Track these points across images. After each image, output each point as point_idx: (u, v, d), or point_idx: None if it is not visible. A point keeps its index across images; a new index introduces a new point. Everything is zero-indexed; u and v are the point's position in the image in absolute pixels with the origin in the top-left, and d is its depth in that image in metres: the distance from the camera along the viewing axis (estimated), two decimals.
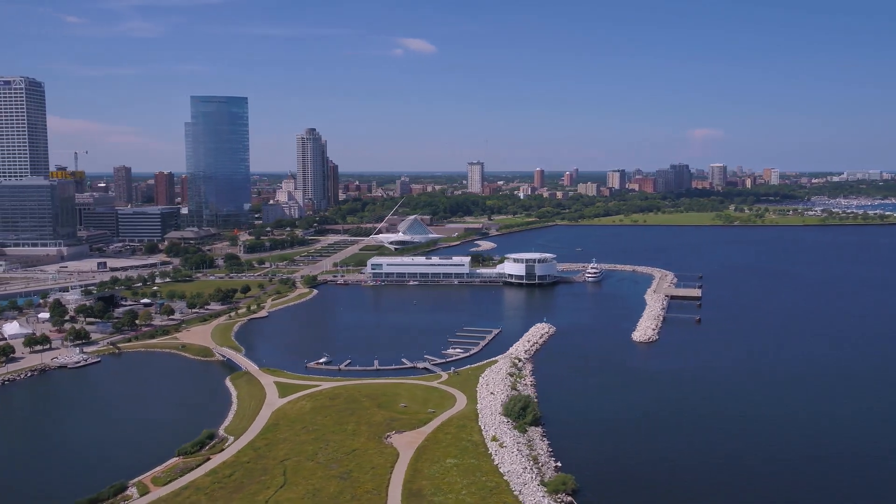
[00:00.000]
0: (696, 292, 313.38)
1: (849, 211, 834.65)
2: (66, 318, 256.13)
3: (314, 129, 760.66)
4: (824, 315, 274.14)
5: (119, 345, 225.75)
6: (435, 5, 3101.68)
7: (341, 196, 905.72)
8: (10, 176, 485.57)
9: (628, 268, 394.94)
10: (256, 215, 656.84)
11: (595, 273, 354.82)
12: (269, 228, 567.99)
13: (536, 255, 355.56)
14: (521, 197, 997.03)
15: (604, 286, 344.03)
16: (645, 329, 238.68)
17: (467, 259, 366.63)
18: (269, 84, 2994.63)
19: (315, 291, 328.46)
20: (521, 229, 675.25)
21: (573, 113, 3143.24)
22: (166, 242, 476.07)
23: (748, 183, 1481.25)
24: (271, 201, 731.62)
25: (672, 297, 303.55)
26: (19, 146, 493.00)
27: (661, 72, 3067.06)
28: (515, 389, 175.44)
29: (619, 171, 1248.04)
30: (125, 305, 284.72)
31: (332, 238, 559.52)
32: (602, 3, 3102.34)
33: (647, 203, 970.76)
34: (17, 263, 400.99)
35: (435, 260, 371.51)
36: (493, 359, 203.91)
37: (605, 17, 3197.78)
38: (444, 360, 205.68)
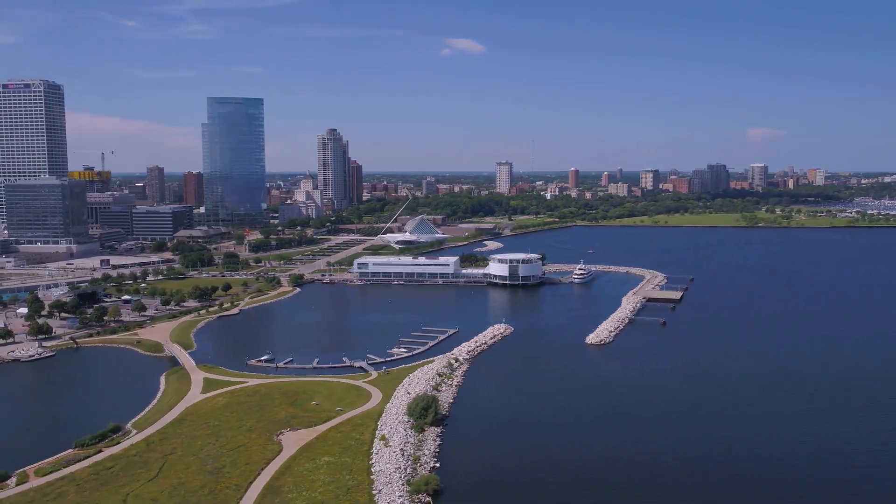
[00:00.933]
0: (677, 295, 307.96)
1: (884, 213, 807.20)
2: (43, 313, 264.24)
3: (335, 130, 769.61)
4: (802, 317, 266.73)
5: (78, 339, 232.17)
6: (487, 5, 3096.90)
7: (366, 196, 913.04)
8: (28, 175, 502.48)
9: (622, 269, 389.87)
10: (274, 215, 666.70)
11: (582, 274, 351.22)
12: (280, 228, 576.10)
13: (521, 256, 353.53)
14: (548, 197, 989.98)
15: (589, 288, 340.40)
16: (601, 332, 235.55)
17: (453, 259, 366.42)
18: (318, 85, 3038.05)
19: (298, 290, 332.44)
20: (536, 230, 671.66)
21: (623, 113, 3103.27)
22: (174, 241, 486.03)
23: (791, 184, 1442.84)
24: (288, 201, 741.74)
25: (649, 300, 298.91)
26: (38, 147, 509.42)
27: (719, 70, 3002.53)
28: (437, 390, 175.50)
29: (652, 171, 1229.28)
30: (106, 302, 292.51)
31: (343, 237, 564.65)
32: (656, 4, 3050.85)
33: (678, 204, 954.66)
34: (27, 260, 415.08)
35: (421, 260, 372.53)
36: (431, 359, 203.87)
37: (659, 19, 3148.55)
38: (382, 360, 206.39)
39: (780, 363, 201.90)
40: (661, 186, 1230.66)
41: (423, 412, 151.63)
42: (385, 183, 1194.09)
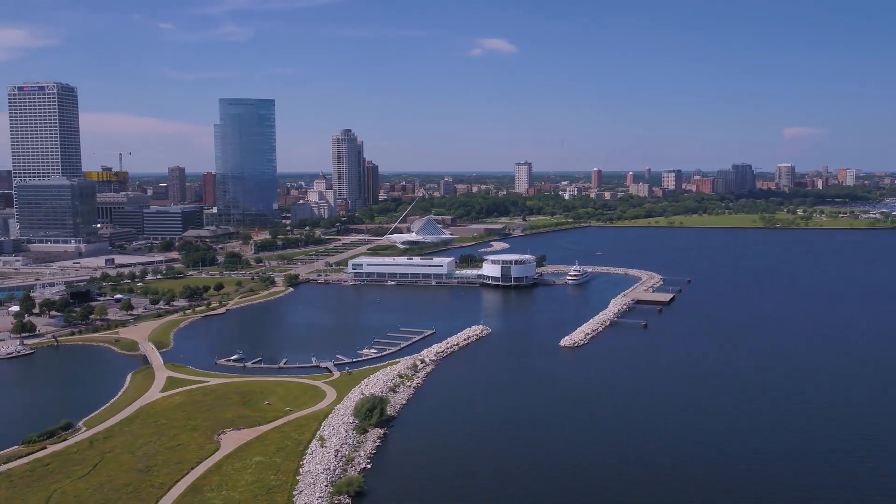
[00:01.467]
0: (667, 297, 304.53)
1: None
2: (34, 311, 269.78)
3: (349, 130, 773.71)
4: (789, 319, 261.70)
5: (60, 337, 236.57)
6: (521, 5, 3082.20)
7: (382, 196, 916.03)
8: (43, 176, 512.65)
9: (621, 271, 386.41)
10: (287, 215, 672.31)
11: (577, 276, 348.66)
12: (289, 228, 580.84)
13: (514, 257, 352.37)
14: (566, 198, 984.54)
15: (584, 289, 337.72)
16: (576, 334, 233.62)
17: (447, 260, 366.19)
18: (348, 86, 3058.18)
19: (290, 290, 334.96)
20: (548, 231, 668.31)
21: (655, 113, 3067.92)
22: (181, 241, 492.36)
23: (820, 184, 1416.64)
24: (301, 201, 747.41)
25: (638, 302, 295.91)
26: (52, 147, 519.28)
27: (755, 68, 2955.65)
28: (393, 391, 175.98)
29: (674, 171, 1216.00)
30: (99, 301, 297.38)
31: (352, 238, 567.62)
32: (690, 4, 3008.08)
33: (699, 204, 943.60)
34: (36, 259, 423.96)
35: (416, 260, 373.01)
36: (396, 360, 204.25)
37: (692, 19, 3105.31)
38: (350, 360, 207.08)
39: (752, 366, 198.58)
40: (683, 187, 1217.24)
41: (368, 413, 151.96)
42: (403, 183, 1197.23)
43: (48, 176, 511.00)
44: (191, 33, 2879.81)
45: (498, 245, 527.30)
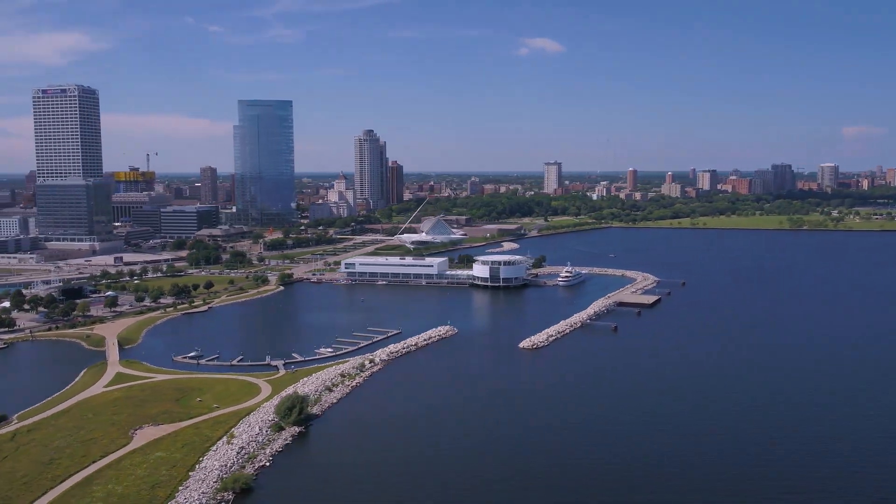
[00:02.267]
0: (651, 299, 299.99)
1: None
2: (24, 307, 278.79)
3: (371, 131, 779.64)
4: (774, 325, 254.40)
5: (37, 333, 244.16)
6: (570, 4, 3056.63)
7: (408, 196, 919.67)
8: (63, 176, 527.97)
9: (618, 272, 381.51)
10: (306, 214, 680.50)
11: (568, 277, 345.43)
12: (303, 227, 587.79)
13: (503, 258, 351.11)
14: (594, 198, 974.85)
15: (573, 291, 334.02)
16: (539, 336, 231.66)
17: (438, 261, 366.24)
18: (394, 86, 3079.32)
19: (281, 289, 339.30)
20: (566, 231, 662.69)
21: (703, 112, 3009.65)
22: (192, 239, 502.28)
23: (865, 184, 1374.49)
24: (320, 201, 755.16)
25: (620, 304, 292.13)
26: (73, 148, 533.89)
27: (817, 64, 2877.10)
28: (329, 390, 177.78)
29: (709, 170, 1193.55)
30: (91, 297, 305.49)
31: (365, 237, 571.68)
32: (741, 5, 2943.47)
33: (732, 205, 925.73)
34: (52, 257, 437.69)
35: (408, 260, 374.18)
36: (345, 360, 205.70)
37: (742, 19, 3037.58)
38: (304, 359, 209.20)
39: (708, 373, 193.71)
40: (719, 187, 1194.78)
41: (288, 412, 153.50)
42: (431, 183, 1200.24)
43: (65, 176, 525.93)
44: (241, 36, 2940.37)
45: (508, 245, 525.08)
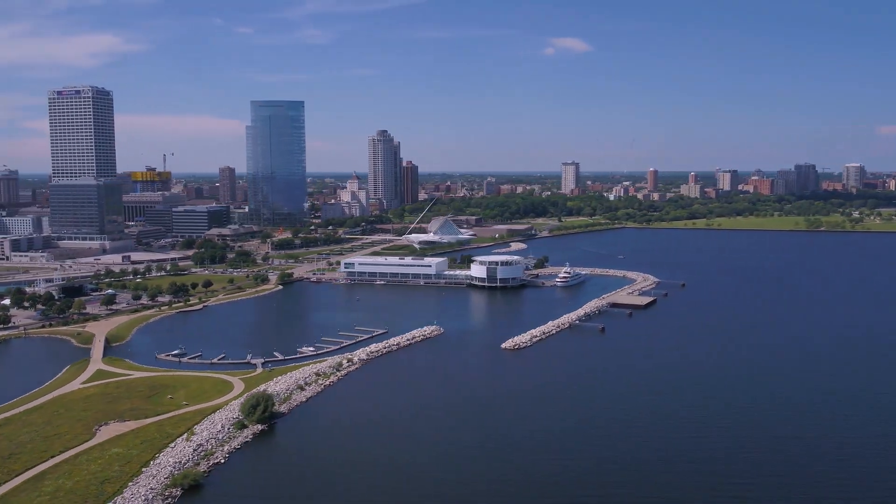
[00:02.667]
0: (644, 301, 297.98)
1: None
2: (24, 304, 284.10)
3: (385, 131, 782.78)
4: (766, 327, 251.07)
5: (30, 330, 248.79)
6: (597, 4, 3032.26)
7: (423, 196, 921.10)
8: (77, 176, 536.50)
9: (620, 273, 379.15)
10: (318, 214, 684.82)
11: (566, 278, 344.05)
12: (313, 227, 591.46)
13: (501, 258, 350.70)
14: (611, 198, 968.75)
15: (571, 291, 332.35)
16: (523, 336, 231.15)
17: (436, 261, 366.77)
18: (422, 86, 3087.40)
19: (280, 288, 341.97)
20: (578, 232, 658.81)
21: (739, 110, 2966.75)
22: (201, 239, 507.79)
23: (893, 185, 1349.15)
24: (332, 201, 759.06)
25: (612, 305, 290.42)
26: (87, 149, 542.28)
27: (850, 61, 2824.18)
28: (301, 389, 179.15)
29: (730, 171, 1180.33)
30: (91, 295, 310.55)
31: (374, 237, 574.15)
32: (771, 5, 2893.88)
33: (752, 206, 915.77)
34: (62, 255, 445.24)
35: (407, 260, 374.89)
36: (324, 359, 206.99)
37: (770, 19, 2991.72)
38: (284, 357, 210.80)
39: (690, 376, 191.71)
40: (740, 188, 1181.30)
41: (252, 409, 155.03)
42: (448, 183, 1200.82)
43: (81, 177, 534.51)
44: (271, 36, 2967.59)
45: (516, 246, 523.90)
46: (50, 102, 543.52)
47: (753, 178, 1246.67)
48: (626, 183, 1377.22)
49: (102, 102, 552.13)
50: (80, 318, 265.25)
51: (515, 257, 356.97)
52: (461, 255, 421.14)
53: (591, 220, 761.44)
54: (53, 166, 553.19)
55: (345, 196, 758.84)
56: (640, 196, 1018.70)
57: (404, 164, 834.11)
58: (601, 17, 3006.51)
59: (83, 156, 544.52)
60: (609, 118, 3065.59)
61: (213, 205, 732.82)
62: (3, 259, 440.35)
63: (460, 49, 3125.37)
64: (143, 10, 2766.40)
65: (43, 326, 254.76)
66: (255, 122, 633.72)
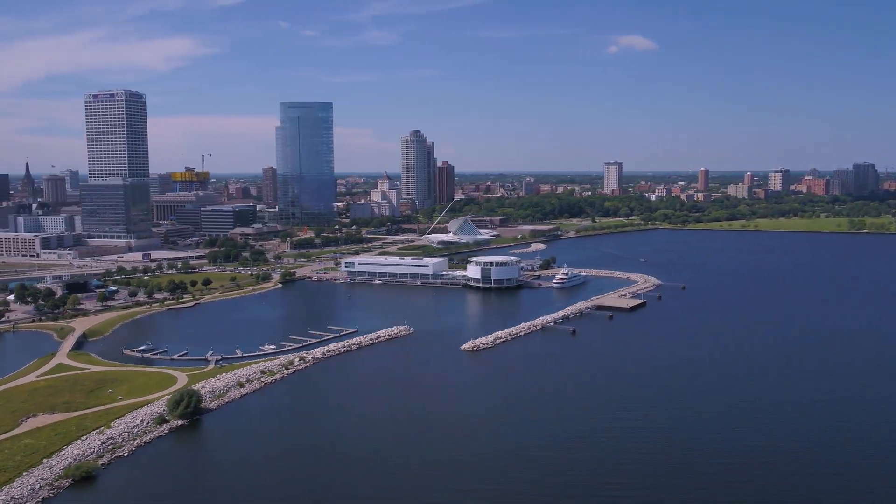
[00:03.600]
0: (632, 303, 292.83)
1: None
2: (27, 300, 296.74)
3: (418, 131, 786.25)
4: (761, 329, 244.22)
5: (20, 324, 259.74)
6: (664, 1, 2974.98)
7: (459, 196, 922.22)
8: (110, 176, 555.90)
9: (624, 275, 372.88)
10: (349, 214, 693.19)
11: (563, 279, 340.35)
12: (337, 227, 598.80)
13: (496, 259, 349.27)
14: (652, 199, 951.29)
15: (565, 293, 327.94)
16: (485, 337, 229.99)
17: (434, 261, 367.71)
18: (485, 86, 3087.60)
19: (279, 287, 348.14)
20: (607, 232, 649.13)
21: (794, 110, 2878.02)
22: (222, 238, 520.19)
23: None
24: (362, 200, 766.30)
25: (598, 307, 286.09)
26: (120, 150, 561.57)
27: None
28: (241, 385, 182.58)
29: (781, 170, 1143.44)
30: (94, 291, 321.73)
31: (397, 237, 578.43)
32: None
33: (803, 207, 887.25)
34: (89, 253, 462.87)
35: (407, 260, 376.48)
36: (277, 357, 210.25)
37: (838, 18, 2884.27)
38: (243, 354, 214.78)
39: (642, 383, 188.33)
40: (793, 188, 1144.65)
41: (175, 405, 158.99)
42: (489, 183, 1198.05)
43: (108, 177, 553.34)
44: (336, 39, 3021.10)
45: (536, 247, 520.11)
46: (86, 106, 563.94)
47: (807, 177, 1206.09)
48: (682, 183, 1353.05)
49: (135, 105, 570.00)
50: (72, 314, 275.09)
51: (511, 258, 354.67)
52: (468, 255, 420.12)
53: (627, 220, 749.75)
54: (89, 167, 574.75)
55: (375, 196, 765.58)
56: (683, 196, 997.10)
57: (439, 164, 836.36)
58: (669, 13, 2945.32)
59: (116, 156, 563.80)
60: (668, 117, 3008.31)
61: (251, 205, 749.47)
62: (34, 256, 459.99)
63: (522, 49, 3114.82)
64: (215, 15, 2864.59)
65: (34, 321, 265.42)
66: (285, 122, 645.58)
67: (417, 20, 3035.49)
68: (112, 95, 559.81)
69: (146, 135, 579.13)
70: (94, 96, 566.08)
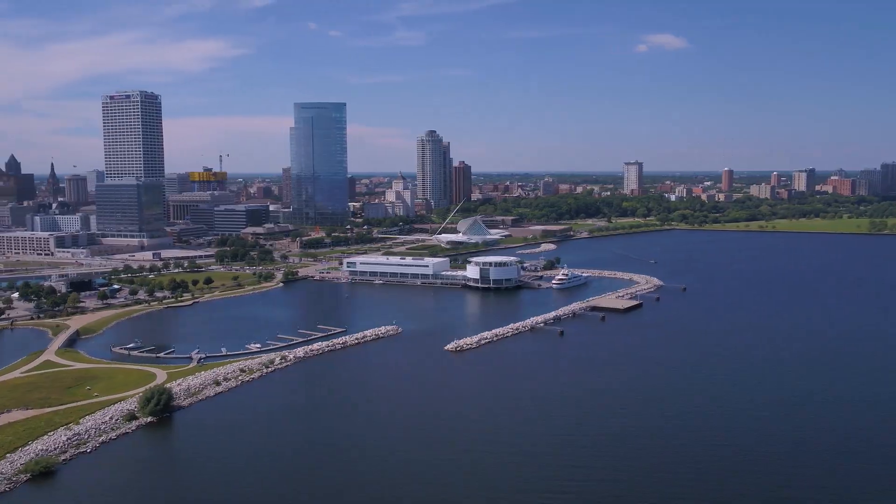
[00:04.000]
0: (627, 305, 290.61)
1: None
2: (31, 297, 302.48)
3: (434, 131, 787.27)
4: (753, 332, 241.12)
5: (18, 322, 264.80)
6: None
7: (476, 196, 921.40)
8: (125, 175, 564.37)
9: (626, 276, 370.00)
10: (363, 213, 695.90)
11: (563, 280, 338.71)
12: (349, 227, 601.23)
13: (495, 259, 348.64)
14: (672, 199, 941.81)
15: (564, 293, 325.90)
16: (470, 338, 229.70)
17: (434, 261, 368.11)
18: (515, 87, 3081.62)
19: (280, 286, 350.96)
20: (621, 233, 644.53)
21: (819, 109, 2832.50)
22: (231, 237, 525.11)
23: None
24: (377, 201, 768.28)
25: (593, 308, 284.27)
26: (135, 150, 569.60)
27: None
28: (217, 384, 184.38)
29: (806, 170, 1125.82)
30: (96, 290, 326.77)
31: (409, 237, 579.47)
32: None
33: (828, 207, 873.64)
34: (102, 252, 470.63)
35: (407, 260, 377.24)
36: (258, 356, 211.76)
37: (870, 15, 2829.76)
38: (227, 353, 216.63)
39: (615, 389, 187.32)
40: (818, 188, 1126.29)
41: (146, 402, 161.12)
42: (507, 183, 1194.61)
43: (121, 176, 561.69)
44: (364, 39, 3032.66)
45: (546, 247, 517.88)
46: (104, 107, 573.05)
47: (833, 177, 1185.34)
48: (708, 182, 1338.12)
49: (151, 106, 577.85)
50: (72, 312, 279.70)
51: (510, 258, 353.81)
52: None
53: (643, 220, 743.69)
54: (106, 167, 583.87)
55: (390, 196, 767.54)
56: (704, 196, 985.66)
57: (456, 164, 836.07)
58: (700, 12, 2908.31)
59: (131, 157, 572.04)
60: (696, 116, 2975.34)
61: (265, 204, 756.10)
62: (48, 254, 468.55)
63: (550, 49, 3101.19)
64: (246, 16, 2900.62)
65: (32, 319, 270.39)
66: (298, 122, 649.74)
67: (445, 20, 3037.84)
68: (128, 96, 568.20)
69: (161, 135, 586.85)
70: (111, 97, 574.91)
